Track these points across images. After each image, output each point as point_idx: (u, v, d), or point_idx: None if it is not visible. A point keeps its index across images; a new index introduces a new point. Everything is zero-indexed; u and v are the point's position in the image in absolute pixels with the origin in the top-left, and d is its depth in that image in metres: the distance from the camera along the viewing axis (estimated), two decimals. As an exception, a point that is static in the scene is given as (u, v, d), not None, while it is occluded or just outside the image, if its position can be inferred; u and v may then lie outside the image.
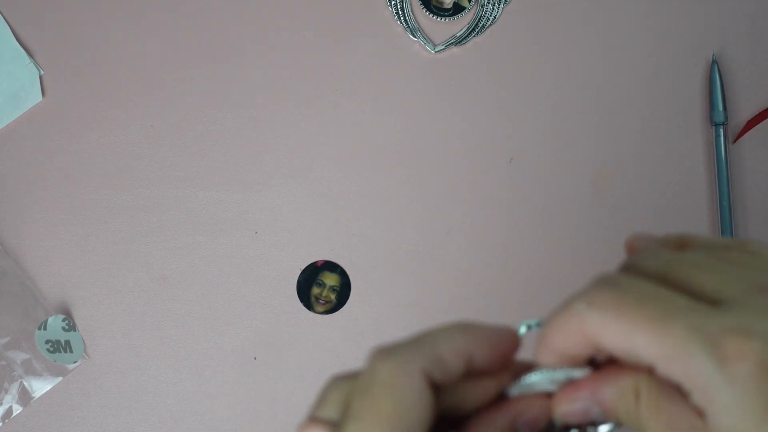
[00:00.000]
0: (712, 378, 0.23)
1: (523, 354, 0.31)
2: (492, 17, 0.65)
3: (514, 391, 0.30)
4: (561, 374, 0.29)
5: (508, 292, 0.63)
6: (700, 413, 0.25)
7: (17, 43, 0.64)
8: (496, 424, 0.29)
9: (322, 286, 0.63)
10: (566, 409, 0.29)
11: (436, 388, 0.27)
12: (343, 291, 0.63)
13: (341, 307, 0.63)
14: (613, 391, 0.27)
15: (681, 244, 0.30)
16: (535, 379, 0.29)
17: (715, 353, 0.23)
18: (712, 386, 0.23)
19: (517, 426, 0.29)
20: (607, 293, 0.26)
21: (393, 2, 0.65)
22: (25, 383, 0.62)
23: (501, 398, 0.30)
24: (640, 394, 0.26)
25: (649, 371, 0.26)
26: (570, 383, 0.29)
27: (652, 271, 0.27)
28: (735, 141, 0.64)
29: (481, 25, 0.65)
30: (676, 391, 0.25)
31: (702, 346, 0.23)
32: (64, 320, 0.61)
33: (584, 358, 0.28)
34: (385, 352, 0.27)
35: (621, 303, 0.25)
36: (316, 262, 0.63)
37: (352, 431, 0.26)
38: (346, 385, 0.28)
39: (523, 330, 0.31)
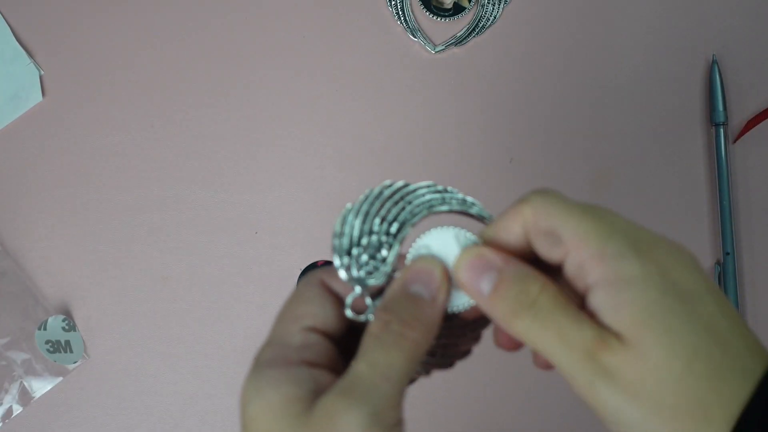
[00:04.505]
0: (626, 254, 0.30)
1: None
2: (492, 17, 0.65)
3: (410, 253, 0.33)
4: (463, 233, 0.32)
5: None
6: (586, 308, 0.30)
7: (17, 43, 0.64)
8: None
9: (322, 286, 0.63)
10: (469, 275, 0.31)
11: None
12: (343, 291, 0.63)
13: (341, 307, 0.63)
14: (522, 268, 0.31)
15: None
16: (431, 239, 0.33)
17: (632, 242, 0.31)
18: (626, 261, 0.30)
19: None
20: (550, 191, 0.32)
21: (393, 2, 0.65)
22: (25, 383, 0.62)
23: None
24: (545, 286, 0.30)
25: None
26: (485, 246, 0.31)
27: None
28: (735, 141, 0.64)
29: (481, 26, 0.65)
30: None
31: (622, 235, 0.31)
32: (64, 320, 0.61)
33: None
34: None
35: (560, 196, 0.32)
36: (316, 262, 0.63)
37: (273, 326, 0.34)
38: None
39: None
